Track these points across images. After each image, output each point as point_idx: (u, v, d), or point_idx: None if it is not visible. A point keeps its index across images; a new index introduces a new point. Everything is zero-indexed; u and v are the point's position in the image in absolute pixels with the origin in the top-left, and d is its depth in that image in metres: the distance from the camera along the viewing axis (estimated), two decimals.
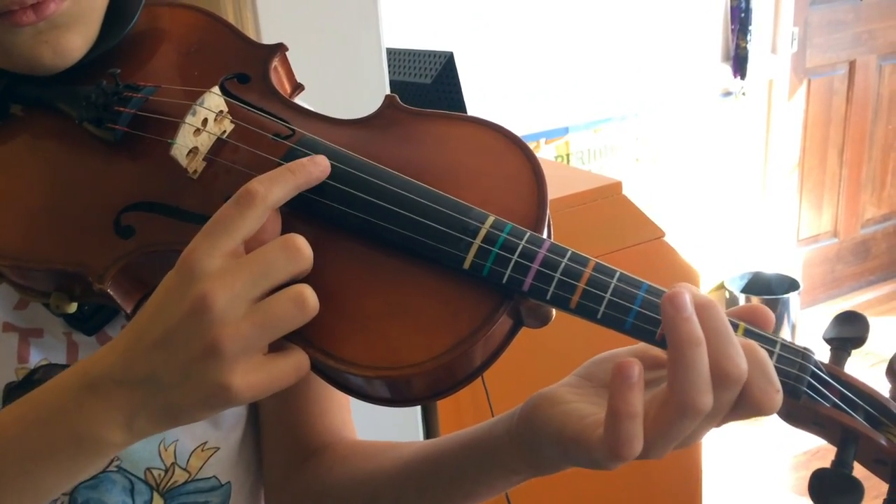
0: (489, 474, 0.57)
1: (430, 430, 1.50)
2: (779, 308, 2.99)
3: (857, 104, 3.37)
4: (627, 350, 0.53)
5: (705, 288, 3.18)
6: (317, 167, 0.49)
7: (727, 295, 3.16)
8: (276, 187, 0.46)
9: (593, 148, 2.75)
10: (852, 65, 3.31)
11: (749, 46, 2.91)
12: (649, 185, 2.94)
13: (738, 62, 2.94)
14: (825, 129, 3.34)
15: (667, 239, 1.82)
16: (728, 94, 3.02)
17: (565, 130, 2.68)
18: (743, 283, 3.19)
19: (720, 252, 3.21)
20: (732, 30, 2.91)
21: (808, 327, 3.23)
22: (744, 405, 0.44)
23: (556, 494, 1.65)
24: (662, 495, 1.80)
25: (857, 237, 3.60)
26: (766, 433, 2.76)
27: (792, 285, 3.11)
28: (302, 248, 0.45)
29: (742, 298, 3.11)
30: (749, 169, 3.18)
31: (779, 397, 0.45)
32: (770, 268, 3.29)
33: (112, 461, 0.63)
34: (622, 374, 0.42)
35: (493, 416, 1.68)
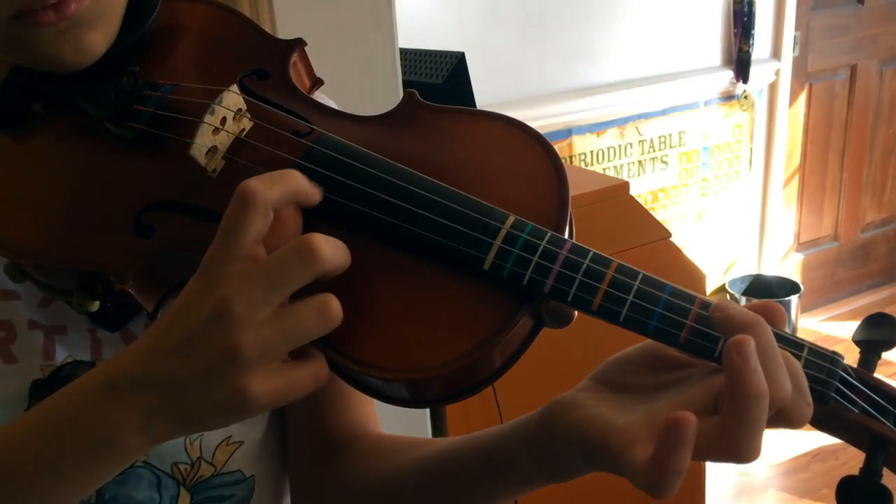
0: (507, 481, 0.57)
1: (438, 431, 1.50)
2: None
3: (858, 109, 3.37)
4: (638, 350, 0.52)
5: (707, 290, 3.18)
6: (311, 186, 0.48)
7: (728, 297, 3.17)
8: (273, 186, 0.45)
9: (596, 150, 2.76)
10: (853, 69, 3.32)
11: (751, 50, 2.91)
12: (651, 187, 2.94)
13: (740, 66, 2.94)
14: (826, 133, 3.35)
15: (672, 240, 1.83)
16: (730, 97, 3.02)
17: (568, 133, 2.68)
18: (744, 285, 3.20)
19: (722, 254, 3.21)
20: (735, 34, 2.91)
21: (808, 331, 3.24)
22: (774, 420, 0.44)
23: (561, 491, 1.65)
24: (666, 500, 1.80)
25: (857, 241, 3.60)
26: (766, 435, 2.76)
27: (793, 288, 3.11)
28: (318, 249, 0.44)
29: (743, 301, 3.11)
30: (750, 172, 3.19)
31: (810, 411, 0.44)
32: (771, 271, 3.30)
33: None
34: (679, 431, 0.40)
35: (500, 415, 1.68)
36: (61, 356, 0.60)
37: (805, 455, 2.66)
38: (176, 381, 0.44)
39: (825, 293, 3.57)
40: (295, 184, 0.47)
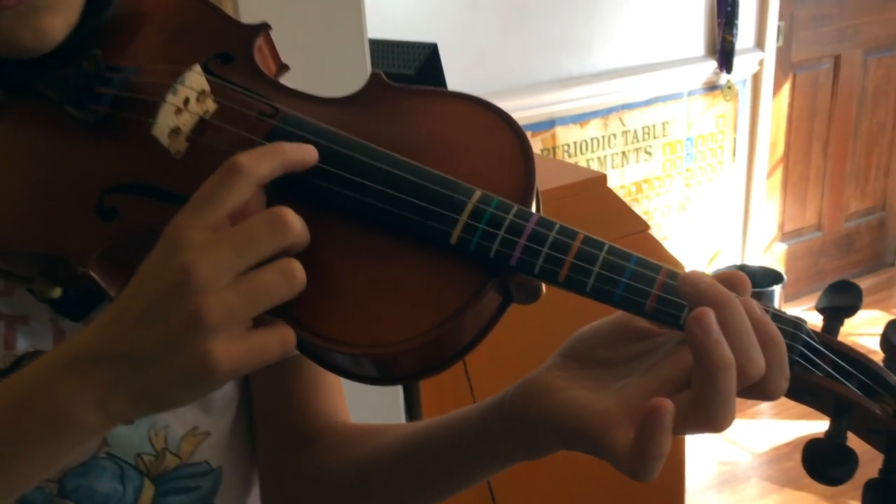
0: (483, 461, 0.57)
1: (412, 411, 1.50)
2: (763, 301, 2.99)
3: (842, 98, 3.39)
4: (610, 323, 0.52)
5: None
6: (307, 153, 0.48)
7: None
8: (263, 162, 0.45)
9: (579, 141, 2.75)
10: (837, 59, 3.33)
11: (735, 41, 2.92)
12: (635, 178, 2.94)
13: (724, 56, 2.94)
14: (810, 123, 3.36)
15: (652, 232, 1.83)
16: (714, 87, 3.03)
17: (552, 123, 2.68)
18: None
19: (706, 245, 3.22)
20: (718, 23, 2.92)
21: None
22: (750, 391, 0.44)
23: (538, 481, 1.65)
24: (645, 487, 1.80)
25: (840, 230, 3.62)
26: (749, 424, 2.78)
27: (776, 278, 3.13)
28: (289, 222, 0.44)
29: None
30: (734, 163, 3.19)
31: (786, 384, 0.45)
32: (755, 261, 3.31)
33: (101, 447, 0.62)
34: (657, 418, 0.41)
35: (473, 394, 1.68)
36: (23, 346, 0.59)
37: (787, 445, 2.67)
38: (137, 354, 0.43)
39: (808, 283, 3.58)
40: (285, 159, 0.47)
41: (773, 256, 3.42)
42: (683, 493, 1.91)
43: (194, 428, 0.65)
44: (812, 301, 3.50)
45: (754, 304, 0.44)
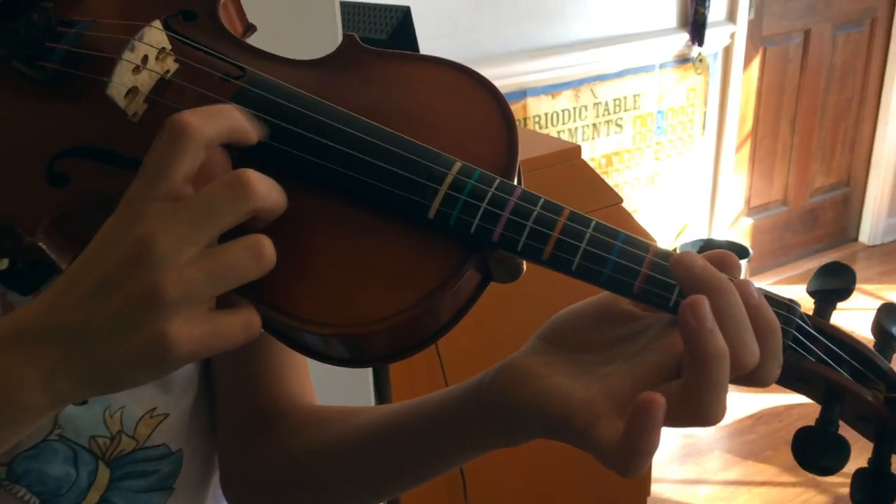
0: (458, 447, 0.54)
1: (381, 394, 1.47)
2: None
3: (811, 74, 3.40)
4: (592, 304, 0.49)
5: None
6: (251, 125, 0.45)
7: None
8: (210, 120, 0.42)
9: (551, 113, 2.73)
10: (807, 34, 3.33)
11: (707, 13, 2.90)
12: (605, 151, 2.93)
13: (696, 28, 2.93)
14: (779, 97, 3.37)
15: (625, 204, 1.82)
16: (685, 60, 3.02)
17: (523, 94, 2.64)
18: (695, 249, 3.18)
19: (674, 219, 3.23)
20: None
21: None
22: (741, 379, 0.43)
23: (509, 459, 1.64)
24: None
25: (805, 206, 3.66)
26: None
27: (742, 252, 3.15)
28: (250, 183, 0.41)
29: None
30: (703, 137, 3.20)
31: (778, 371, 0.43)
32: (721, 235, 3.33)
33: (53, 429, 0.59)
34: (648, 414, 0.39)
35: (445, 376, 1.65)
36: None
37: (750, 417, 2.71)
38: (86, 330, 0.40)
39: (773, 257, 3.62)
40: (232, 121, 0.43)
41: (739, 231, 3.45)
42: (648, 466, 1.93)
43: (152, 409, 0.62)
44: (777, 275, 3.56)
45: (751, 287, 0.42)
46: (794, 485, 2.44)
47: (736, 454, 2.59)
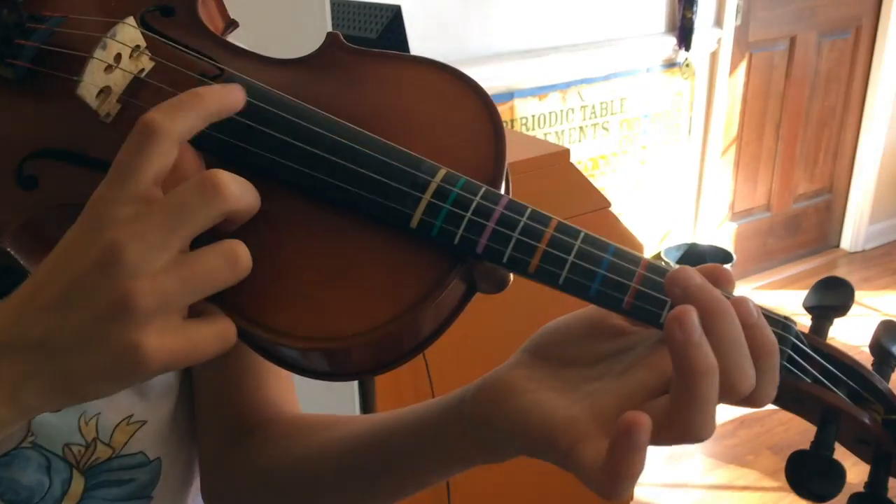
0: (440, 463, 0.52)
1: (366, 405, 1.45)
2: None
3: (796, 80, 3.41)
4: (580, 318, 0.48)
5: None
6: (229, 94, 0.43)
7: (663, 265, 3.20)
8: (180, 115, 0.40)
9: (538, 115, 2.72)
10: (793, 40, 3.34)
11: (694, 17, 2.90)
12: (592, 154, 2.92)
13: (683, 33, 2.93)
14: (764, 103, 3.38)
15: (611, 209, 1.81)
16: (672, 65, 3.02)
17: (510, 96, 2.63)
18: (679, 254, 3.23)
19: (658, 223, 3.23)
20: (679, 0, 2.90)
21: None
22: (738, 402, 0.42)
23: (495, 473, 1.63)
24: None
25: (789, 212, 3.68)
26: None
27: (726, 258, 3.16)
28: (222, 185, 0.39)
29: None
30: (689, 141, 3.20)
31: (774, 393, 0.41)
32: (705, 240, 3.33)
33: (26, 437, 0.57)
34: (632, 436, 0.37)
35: (432, 386, 1.63)
36: None
37: (732, 422, 2.71)
38: (52, 343, 0.38)
39: (756, 262, 3.64)
40: (205, 106, 0.41)
41: (723, 235, 3.46)
42: None
43: (129, 416, 0.60)
44: (759, 280, 3.58)
45: (750, 305, 0.40)
46: (775, 489, 2.45)
47: (718, 458, 2.59)
